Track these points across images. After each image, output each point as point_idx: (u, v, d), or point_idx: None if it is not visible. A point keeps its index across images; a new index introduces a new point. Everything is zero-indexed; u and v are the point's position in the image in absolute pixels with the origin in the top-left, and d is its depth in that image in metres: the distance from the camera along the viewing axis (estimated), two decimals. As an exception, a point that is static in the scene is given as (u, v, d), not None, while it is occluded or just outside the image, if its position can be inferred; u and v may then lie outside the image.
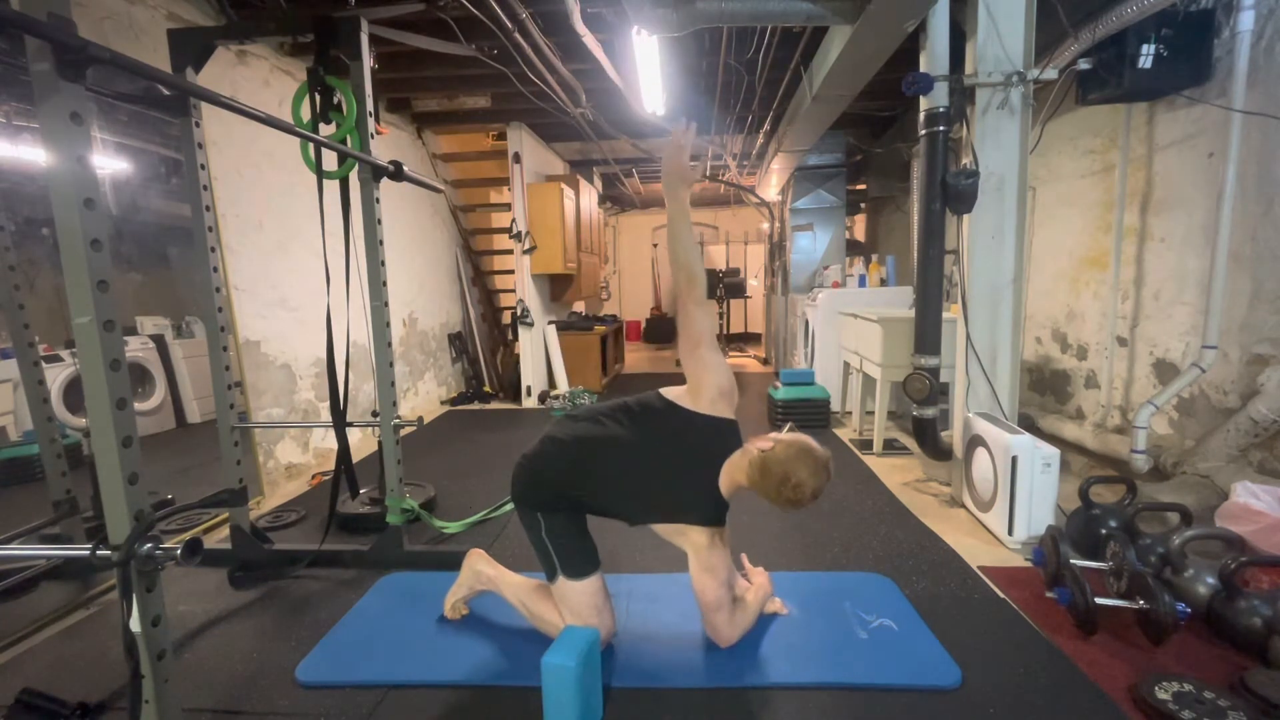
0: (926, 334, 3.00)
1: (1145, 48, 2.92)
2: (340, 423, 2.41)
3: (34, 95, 1.17)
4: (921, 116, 2.90)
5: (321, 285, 2.36)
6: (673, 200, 1.87)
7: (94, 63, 1.19)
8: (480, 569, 2.11)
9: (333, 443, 2.87)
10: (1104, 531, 2.33)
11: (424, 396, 5.76)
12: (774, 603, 2.12)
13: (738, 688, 1.77)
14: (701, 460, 1.82)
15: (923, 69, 2.87)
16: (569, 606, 1.88)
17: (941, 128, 2.82)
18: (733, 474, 1.80)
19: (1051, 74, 2.89)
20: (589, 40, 3.39)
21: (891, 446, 4.09)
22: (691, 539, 1.81)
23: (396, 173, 2.46)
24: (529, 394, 5.90)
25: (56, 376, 2.54)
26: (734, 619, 1.91)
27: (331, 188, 2.30)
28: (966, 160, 2.85)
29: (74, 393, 2.65)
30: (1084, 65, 3.13)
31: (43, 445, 2.41)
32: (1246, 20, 2.65)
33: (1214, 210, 2.83)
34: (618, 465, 1.85)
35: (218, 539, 2.77)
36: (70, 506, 2.45)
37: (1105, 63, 3.07)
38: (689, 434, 1.84)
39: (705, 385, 1.85)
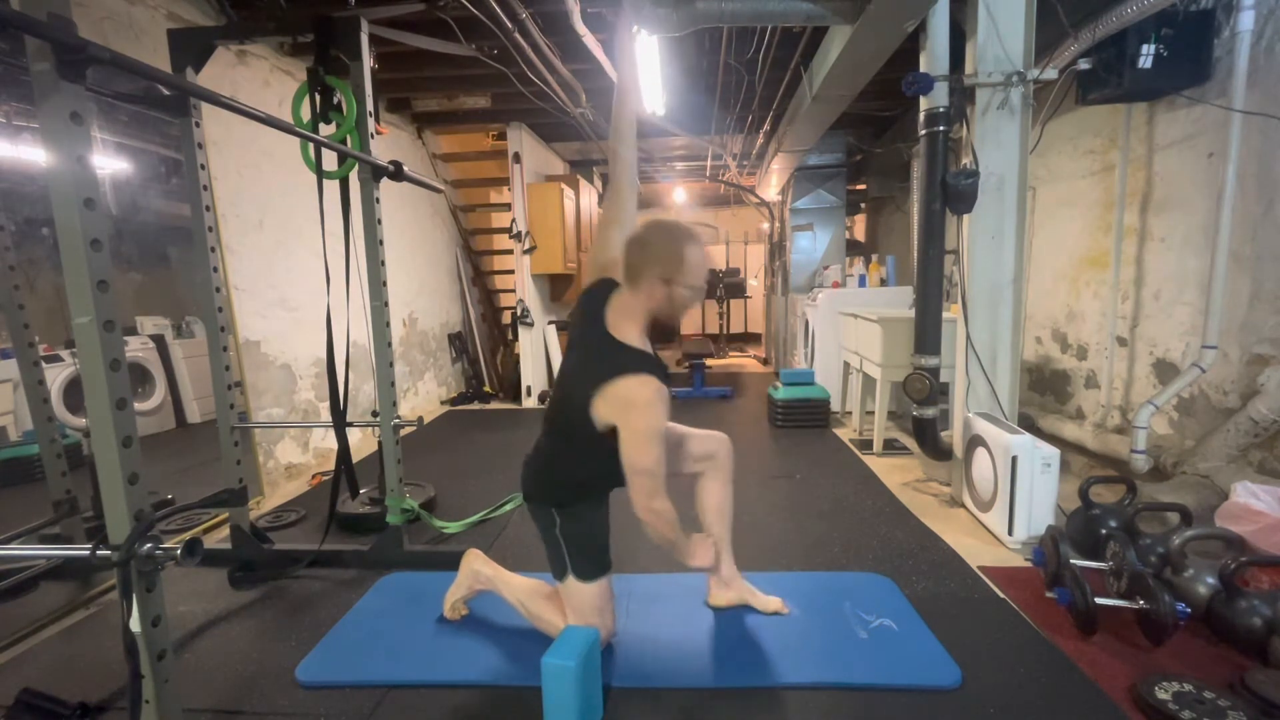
0: (926, 334, 2.99)
1: (1145, 48, 2.92)
2: (340, 423, 2.42)
3: (34, 95, 1.16)
4: (921, 116, 2.89)
5: (321, 285, 2.36)
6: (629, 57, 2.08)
7: (94, 63, 1.19)
8: (478, 569, 2.11)
9: (332, 443, 2.87)
10: (1104, 531, 2.32)
11: (424, 396, 5.76)
12: (774, 602, 2.11)
13: (738, 688, 1.77)
14: (590, 324, 1.78)
15: (923, 69, 2.87)
16: (572, 606, 1.88)
17: (941, 128, 2.82)
18: (622, 306, 1.76)
19: (1051, 74, 2.89)
20: (589, 40, 3.39)
21: (891, 446, 4.09)
22: (610, 396, 1.65)
23: (396, 173, 2.46)
24: (529, 394, 5.91)
25: (56, 376, 2.54)
26: (660, 496, 1.66)
27: (331, 188, 2.30)
28: (966, 160, 2.85)
29: (74, 393, 2.65)
30: (1084, 65, 3.13)
31: (43, 445, 2.41)
32: (1246, 20, 2.65)
33: (1214, 210, 2.82)
34: (572, 402, 1.76)
35: (218, 539, 2.77)
36: (70, 506, 2.45)
37: (1105, 63, 3.06)
38: (576, 318, 1.85)
39: (587, 269, 1.86)
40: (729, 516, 2.11)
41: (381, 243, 2.44)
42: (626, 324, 1.75)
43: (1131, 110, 3.37)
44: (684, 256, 1.70)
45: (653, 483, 1.65)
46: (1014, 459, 2.52)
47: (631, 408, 1.65)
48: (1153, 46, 2.92)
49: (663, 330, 1.83)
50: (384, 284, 2.44)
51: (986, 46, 2.77)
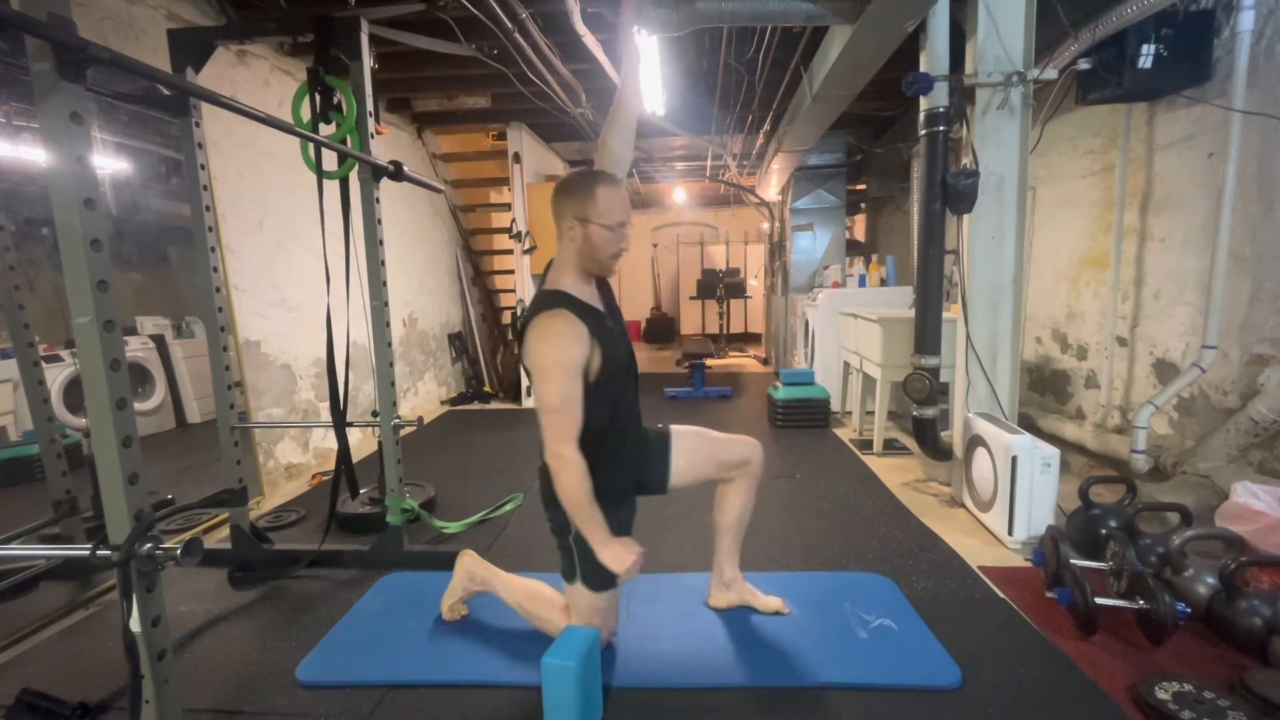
0: (926, 334, 2.99)
1: (1145, 47, 2.91)
2: (340, 423, 2.41)
3: (34, 95, 1.16)
4: (921, 116, 2.89)
5: (321, 285, 2.36)
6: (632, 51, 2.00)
7: (94, 63, 1.19)
8: (473, 570, 2.09)
9: (332, 443, 2.87)
10: (1104, 531, 2.32)
11: (424, 396, 5.76)
12: (774, 602, 2.11)
13: (737, 687, 1.76)
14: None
15: (923, 69, 2.86)
16: (576, 609, 1.86)
17: (941, 128, 2.82)
18: (557, 261, 1.77)
19: (1051, 74, 2.89)
20: (589, 40, 3.39)
21: (891, 446, 4.09)
22: (526, 340, 1.65)
23: (396, 173, 2.45)
24: (529, 394, 5.90)
25: (56, 376, 2.54)
26: (569, 443, 1.61)
27: (331, 188, 2.30)
28: (966, 160, 2.84)
29: (73, 393, 2.64)
30: (1084, 65, 3.12)
31: (43, 445, 2.40)
32: (1246, 20, 2.64)
33: (1214, 210, 2.82)
34: None
35: (217, 539, 2.77)
36: (70, 506, 2.45)
37: (1105, 63, 3.06)
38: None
39: None
40: (746, 523, 2.09)
41: (381, 243, 2.44)
42: (560, 275, 1.75)
43: (1131, 110, 3.36)
44: (595, 193, 1.68)
45: (559, 423, 1.60)
46: (1014, 459, 2.52)
47: (537, 341, 1.62)
48: (1153, 46, 2.91)
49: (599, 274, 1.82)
50: (384, 284, 2.44)
51: (986, 46, 2.76)
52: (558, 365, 1.60)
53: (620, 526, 1.81)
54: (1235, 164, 2.70)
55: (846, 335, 4.79)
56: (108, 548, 1.25)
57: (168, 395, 3.21)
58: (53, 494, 2.42)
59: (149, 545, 1.25)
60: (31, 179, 2.45)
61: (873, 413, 4.13)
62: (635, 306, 11.68)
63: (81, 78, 1.20)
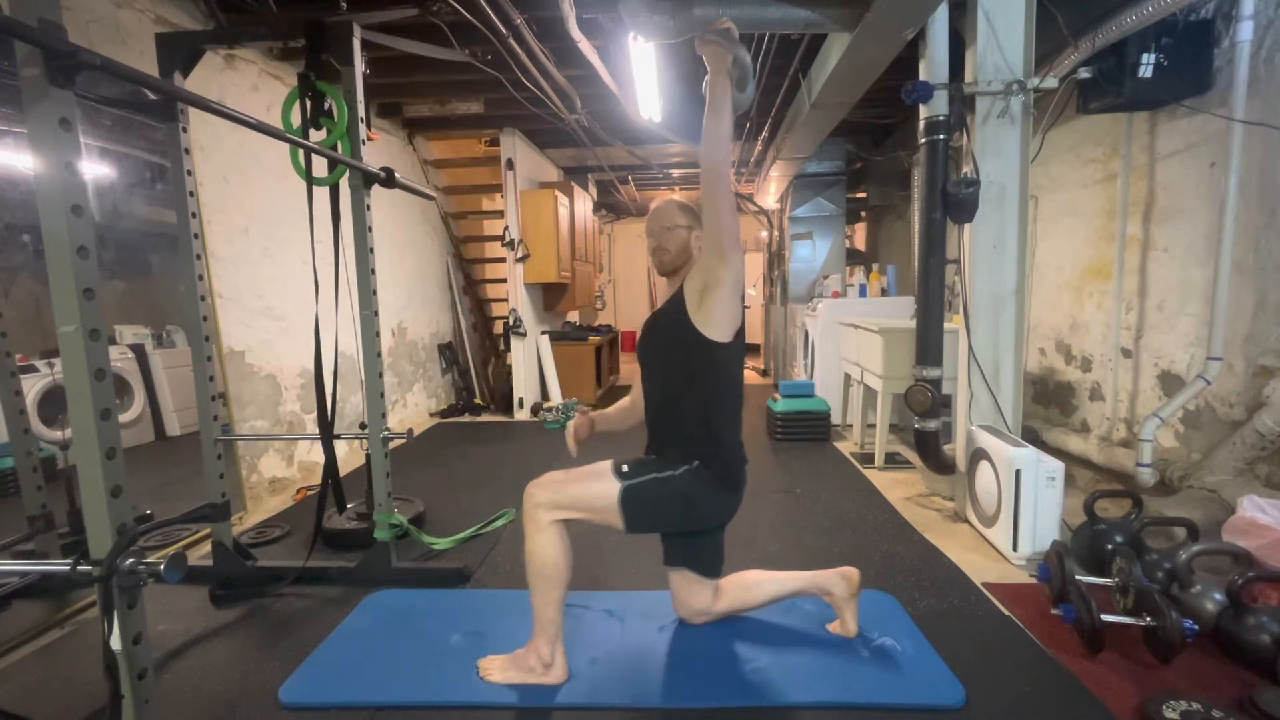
0: (928, 345, 2.96)
1: (1145, 57, 2.91)
2: (328, 435, 2.36)
3: (23, 100, 1.16)
4: (921, 124, 2.87)
5: (307, 293, 2.30)
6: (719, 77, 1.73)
7: (85, 69, 1.19)
8: None
9: (317, 456, 2.81)
10: (1110, 547, 2.30)
11: (412, 409, 5.69)
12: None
13: (734, 707, 1.73)
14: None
15: (922, 77, 2.85)
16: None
17: (941, 136, 2.80)
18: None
19: (1052, 83, 2.86)
20: (584, 46, 3.36)
21: (893, 460, 4.05)
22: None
23: (388, 179, 2.41)
24: (521, 406, 5.84)
25: (31, 388, 2.47)
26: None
27: (320, 194, 2.26)
28: (967, 169, 2.82)
29: (47, 405, 2.58)
30: (1084, 74, 3.11)
31: (18, 458, 2.33)
32: (1245, 30, 2.63)
33: (1216, 220, 2.80)
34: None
35: (199, 555, 2.70)
36: (45, 522, 2.38)
37: (1106, 72, 3.05)
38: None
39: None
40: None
41: (372, 250, 2.39)
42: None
43: (1133, 119, 3.35)
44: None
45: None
46: (1018, 473, 2.48)
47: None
48: (1153, 56, 2.91)
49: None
50: (374, 293, 2.40)
51: (986, 54, 2.75)
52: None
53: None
54: (1237, 174, 2.68)
55: (847, 346, 4.75)
56: (89, 562, 1.24)
57: (147, 407, 3.13)
58: (28, 509, 2.35)
59: (131, 560, 1.23)
60: (12, 184, 2.39)
61: (874, 426, 4.08)
62: (631, 316, 11.63)
63: (71, 83, 1.19)
